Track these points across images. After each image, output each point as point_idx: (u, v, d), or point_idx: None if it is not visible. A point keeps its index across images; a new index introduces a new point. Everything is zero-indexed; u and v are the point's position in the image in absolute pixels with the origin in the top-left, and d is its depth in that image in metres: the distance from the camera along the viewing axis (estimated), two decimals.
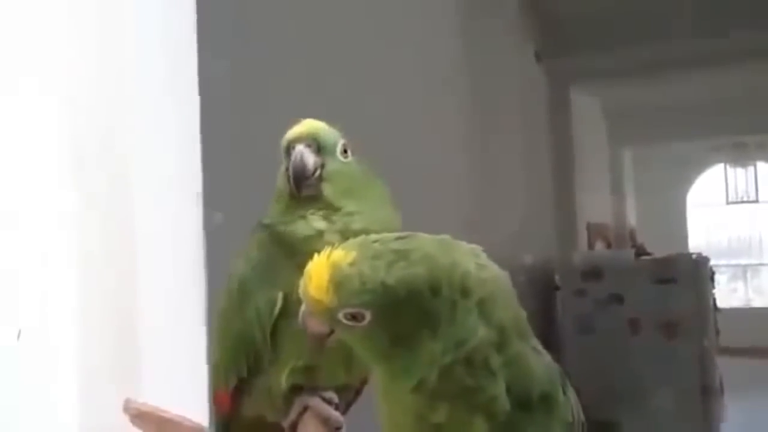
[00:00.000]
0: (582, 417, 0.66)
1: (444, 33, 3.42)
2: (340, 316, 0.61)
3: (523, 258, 4.63)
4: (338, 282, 0.61)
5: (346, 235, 0.77)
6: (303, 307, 0.65)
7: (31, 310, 1.18)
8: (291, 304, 0.79)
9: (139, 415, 0.81)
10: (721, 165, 10.27)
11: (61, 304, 1.17)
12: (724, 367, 5.53)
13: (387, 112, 2.49)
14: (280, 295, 0.80)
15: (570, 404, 0.64)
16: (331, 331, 0.66)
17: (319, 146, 0.83)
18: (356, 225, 0.79)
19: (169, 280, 1.40)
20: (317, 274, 0.62)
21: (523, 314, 0.64)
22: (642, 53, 5.38)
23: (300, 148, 0.82)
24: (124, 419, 0.84)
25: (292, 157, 0.82)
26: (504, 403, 0.59)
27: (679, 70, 5.99)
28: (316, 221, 0.80)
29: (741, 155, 9.91)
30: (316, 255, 0.66)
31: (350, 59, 2.27)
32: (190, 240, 1.45)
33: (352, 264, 0.61)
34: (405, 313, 0.60)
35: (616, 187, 8.28)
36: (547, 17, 5.37)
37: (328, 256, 0.63)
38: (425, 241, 0.63)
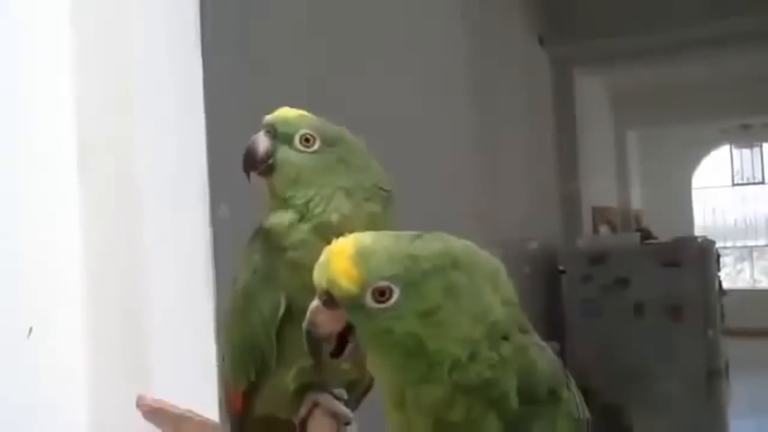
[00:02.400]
0: (587, 413, 0.67)
1: (447, 18, 3.40)
2: (368, 296, 0.59)
3: (528, 243, 4.63)
4: (365, 256, 0.60)
5: (312, 223, 0.80)
6: (312, 305, 0.62)
7: (40, 307, 1.19)
8: (294, 306, 0.80)
9: (152, 411, 0.83)
10: (727, 147, 10.22)
11: (70, 300, 1.19)
12: (731, 348, 5.54)
13: (391, 99, 2.49)
14: (283, 299, 0.81)
15: (575, 400, 0.65)
16: (342, 334, 0.62)
17: (276, 133, 0.84)
18: (317, 209, 0.81)
19: (177, 274, 1.41)
20: (337, 255, 0.60)
21: (518, 302, 0.65)
22: (646, 36, 5.34)
23: (259, 134, 0.84)
24: (133, 416, 0.85)
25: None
26: (513, 400, 0.60)
27: (683, 52, 5.94)
28: (281, 215, 0.82)
29: (747, 137, 9.86)
30: (298, 245, 0.67)
31: (353, 50, 2.27)
32: (197, 233, 1.46)
33: (374, 241, 0.61)
34: (433, 287, 0.59)
35: (621, 171, 8.25)
36: (550, 1, 5.34)
37: (346, 240, 0.61)
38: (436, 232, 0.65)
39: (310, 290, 0.64)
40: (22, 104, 1.21)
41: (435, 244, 0.61)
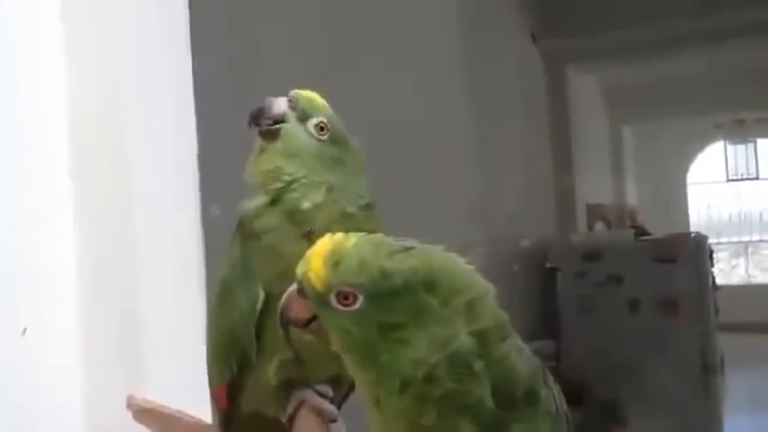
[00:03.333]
0: (566, 407, 0.68)
1: (440, 15, 3.41)
2: (333, 295, 0.62)
3: (522, 240, 4.64)
4: (338, 259, 0.62)
5: (285, 204, 0.80)
6: (289, 289, 0.65)
7: (34, 306, 1.19)
8: (273, 296, 0.80)
9: (142, 411, 0.83)
10: (721, 142, 10.24)
11: (63, 300, 1.19)
12: (725, 343, 5.55)
13: (384, 97, 2.49)
14: (261, 290, 0.81)
15: (552, 395, 0.65)
16: (309, 320, 0.65)
17: (296, 106, 0.84)
18: (291, 198, 0.80)
19: (170, 274, 1.41)
20: (318, 252, 0.63)
21: (506, 317, 0.65)
22: (639, 31, 5.35)
23: (280, 98, 0.84)
24: (128, 415, 0.85)
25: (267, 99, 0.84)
26: (489, 404, 0.60)
27: (677, 47, 5.95)
28: (250, 200, 0.82)
29: (741, 132, 9.88)
30: (268, 230, 0.68)
31: (347, 46, 2.27)
32: (189, 234, 1.47)
33: (354, 246, 0.63)
34: (398, 303, 0.60)
35: (616, 167, 8.26)
36: None
37: (331, 238, 0.64)
38: (424, 245, 0.65)
39: (287, 279, 0.67)
40: (13, 103, 1.21)
41: (414, 261, 0.61)
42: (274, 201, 0.81)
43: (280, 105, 0.83)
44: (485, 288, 0.64)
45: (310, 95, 0.86)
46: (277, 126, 0.83)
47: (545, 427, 0.63)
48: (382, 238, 0.65)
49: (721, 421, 4.97)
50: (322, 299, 0.63)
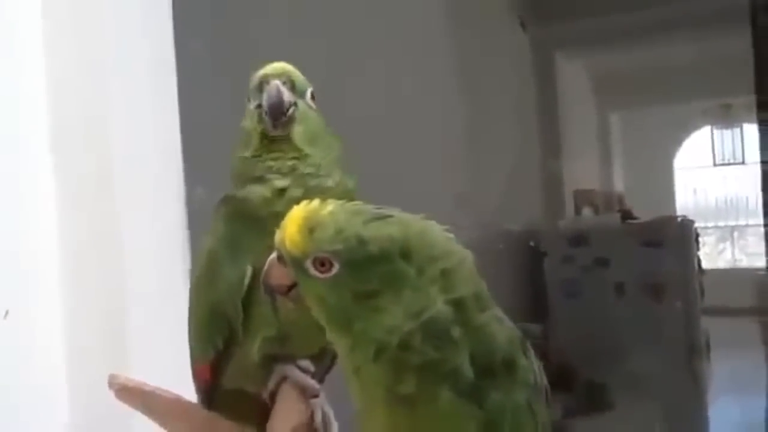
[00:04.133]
0: (545, 381, 0.68)
1: (427, 1, 3.40)
2: (309, 262, 0.62)
3: (510, 225, 4.65)
4: (313, 226, 0.62)
5: (307, 189, 0.77)
6: (270, 257, 0.66)
7: (16, 289, 1.19)
8: (260, 275, 0.80)
9: (124, 390, 0.83)
10: (708, 128, 10.28)
11: (46, 282, 1.19)
12: (712, 327, 5.59)
13: (370, 84, 2.49)
14: (249, 268, 0.80)
15: (532, 368, 0.66)
16: (291, 287, 0.66)
17: (293, 85, 0.81)
18: (319, 181, 0.79)
19: (154, 256, 1.41)
20: (293, 219, 0.64)
21: (484, 286, 0.65)
22: (627, 17, 5.35)
23: (276, 82, 0.80)
24: (112, 396, 0.85)
25: (267, 91, 0.79)
26: (468, 372, 0.60)
27: (664, 33, 5.96)
28: (276, 180, 0.79)
29: (727, 117, 9.92)
30: (277, 215, 0.67)
31: (332, 33, 2.26)
32: (173, 216, 1.47)
33: (330, 213, 0.63)
34: (373, 270, 0.60)
35: (604, 153, 8.29)
36: None
37: (307, 205, 0.64)
38: (402, 213, 0.65)
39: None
40: None
41: (391, 228, 0.61)
42: (290, 187, 0.79)
43: (285, 91, 0.80)
44: (463, 256, 0.64)
45: (291, 69, 0.83)
46: (290, 112, 0.80)
47: (522, 396, 0.63)
48: (360, 206, 0.65)
49: (706, 404, 5.02)
50: (299, 266, 0.63)
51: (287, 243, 0.63)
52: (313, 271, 0.62)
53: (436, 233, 0.64)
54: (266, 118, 0.80)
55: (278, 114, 0.79)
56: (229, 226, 0.83)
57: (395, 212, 0.64)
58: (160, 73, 1.47)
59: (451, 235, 0.65)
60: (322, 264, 0.62)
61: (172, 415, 0.84)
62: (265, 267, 0.66)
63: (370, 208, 0.64)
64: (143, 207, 1.40)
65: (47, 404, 1.17)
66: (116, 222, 1.32)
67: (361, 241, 0.61)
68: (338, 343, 0.64)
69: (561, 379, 3.95)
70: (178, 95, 1.48)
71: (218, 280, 0.83)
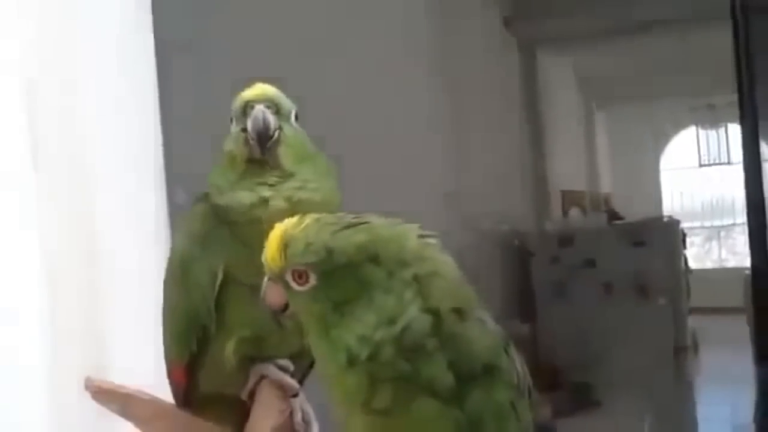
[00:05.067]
0: (528, 378, 0.67)
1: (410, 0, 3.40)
2: (288, 276, 0.65)
3: (498, 226, 4.66)
4: (288, 241, 0.65)
5: (292, 201, 0.78)
6: (264, 280, 0.68)
7: None
8: (232, 275, 0.80)
9: (100, 392, 0.82)
10: (694, 128, 10.36)
11: (25, 284, 1.17)
12: (698, 325, 5.63)
13: (353, 81, 2.48)
14: (220, 268, 0.80)
15: (515, 368, 0.65)
16: (287, 305, 0.68)
17: (278, 109, 0.82)
18: (303, 194, 0.79)
19: (135, 258, 1.39)
20: (273, 236, 0.67)
21: (467, 292, 0.65)
22: (612, 15, 5.38)
23: (260, 107, 0.81)
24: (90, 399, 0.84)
25: (253, 117, 0.80)
26: (446, 380, 0.60)
27: (649, 32, 5.99)
28: (262, 190, 0.79)
29: (712, 117, 10.00)
30: (258, 223, 0.68)
31: (314, 31, 2.25)
32: (154, 218, 1.45)
33: (303, 228, 0.66)
34: (346, 278, 0.62)
35: (590, 153, 8.33)
36: None
37: (286, 222, 0.67)
38: (376, 219, 0.66)
39: (248, 257, 0.69)
40: None
41: (358, 236, 0.63)
42: (274, 197, 0.79)
43: (270, 118, 0.81)
44: (440, 262, 0.64)
45: (274, 92, 0.84)
46: (275, 137, 0.81)
47: (504, 397, 0.63)
48: (332, 217, 0.66)
49: (693, 402, 5.05)
50: (282, 280, 0.66)
51: (269, 260, 0.67)
52: (293, 284, 0.65)
53: (409, 239, 0.64)
54: (252, 143, 0.80)
55: (264, 140, 0.80)
56: (202, 224, 0.83)
57: (371, 219, 0.65)
58: (141, 72, 1.46)
59: (432, 241, 0.65)
60: (300, 276, 0.65)
61: (150, 418, 0.83)
62: (263, 288, 0.69)
63: (345, 218, 0.65)
64: (123, 208, 1.38)
65: (26, 406, 1.15)
66: (96, 222, 1.30)
67: (329, 251, 0.63)
68: (316, 352, 0.66)
69: (548, 378, 3.96)
70: (158, 95, 1.46)
71: (190, 281, 0.82)
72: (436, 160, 3.54)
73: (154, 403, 0.83)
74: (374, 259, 0.62)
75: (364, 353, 0.60)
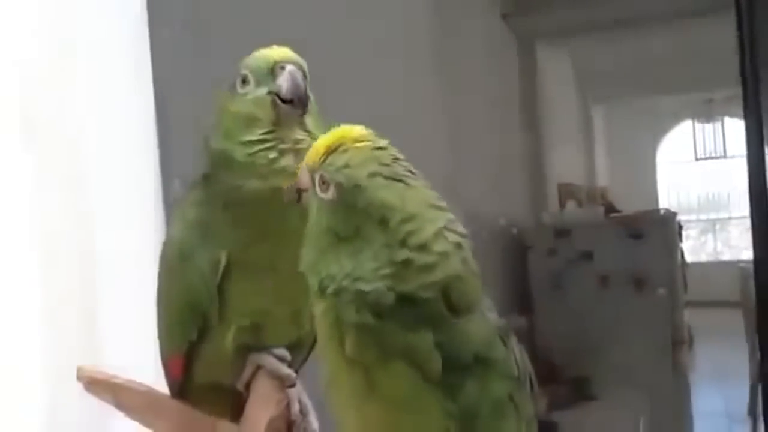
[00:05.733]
0: (529, 367, 0.66)
1: None
2: (317, 175, 0.65)
3: (494, 219, 4.66)
4: (336, 147, 0.65)
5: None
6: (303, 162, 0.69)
7: None
8: (235, 262, 0.78)
9: (92, 382, 0.81)
10: (690, 121, 10.37)
11: (20, 276, 1.16)
12: (695, 319, 5.64)
13: (351, 74, 2.47)
14: (223, 255, 0.78)
15: (513, 356, 0.64)
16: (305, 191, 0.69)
17: (303, 72, 0.80)
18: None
19: (131, 251, 1.38)
20: (334, 132, 0.67)
21: (471, 284, 0.63)
22: (610, 9, 5.36)
23: (293, 68, 0.78)
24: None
25: (290, 78, 0.78)
26: (431, 357, 0.59)
27: (647, 26, 5.98)
28: (275, 179, 0.76)
29: (709, 111, 10.01)
30: (268, 210, 0.70)
31: (312, 21, 2.24)
32: (150, 209, 1.44)
33: (356, 148, 0.65)
34: (353, 219, 0.62)
35: (587, 145, 8.33)
36: None
37: (352, 129, 0.67)
38: (421, 188, 0.64)
39: (252, 243, 0.70)
40: None
41: (387, 194, 0.61)
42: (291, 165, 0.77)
43: (303, 81, 0.79)
44: (443, 259, 0.61)
45: (297, 57, 0.82)
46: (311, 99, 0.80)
47: (501, 390, 0.62)
48: (390, 157, 0.65)
49: (689, 396, 5.06)
50: (311, 174, 0.66)
51: (314, 149, 0.67)
52: (317, 185, 0.65)
53: (427, 226, 0.61)
54: (286, 106, 0.78)
55: (305, 102, 0.78)
56: (201, 210, 0.80)
57: (418, 185, 0.64)
58: (136, 62, 1.44)
59: (454, 238, 0.63)
60: (323, 183, 0.65)
61: (143, 409, 0.82)
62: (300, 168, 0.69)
63: (400, 166, 0.64)
64: (118, 199, 1.37)
65: (21, 399, 1.14)
66: (91, 213, 1.29)
67: (356, 188, 0.62)
68: (304, 269, 0.66)
69: (545, 371, 3.96)
70: (153, 85, 1.45)
71: (190, 268, 0.80)
72: (433, 154, 3.53)
73: (149, 393, 0.82)
74: (382, 223, 0.61)
75: (330, 288, 0.61)
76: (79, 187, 1.32)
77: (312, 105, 0.81)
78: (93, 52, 1.36)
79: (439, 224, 0.62)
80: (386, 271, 0.60)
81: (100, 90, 1.37)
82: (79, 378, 0.81)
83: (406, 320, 0.60)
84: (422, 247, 0.60)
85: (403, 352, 0.59)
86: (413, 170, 0.65)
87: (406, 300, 0.60)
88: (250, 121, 0.78)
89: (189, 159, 1.52)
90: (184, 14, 1.61)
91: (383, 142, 0.66)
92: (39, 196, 1.23)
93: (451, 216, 0.64)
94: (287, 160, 0.76)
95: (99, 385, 0.81)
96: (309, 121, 0.79)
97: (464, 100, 4.12)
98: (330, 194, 0.64)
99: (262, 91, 0.79)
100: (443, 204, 0.65)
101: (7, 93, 1.20)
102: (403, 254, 0.60)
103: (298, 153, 0.76)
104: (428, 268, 0.60)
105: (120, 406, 0.82)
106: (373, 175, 0.62)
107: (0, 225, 1.17)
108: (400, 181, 0.63)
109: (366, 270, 0.60)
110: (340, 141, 0.65)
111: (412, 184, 0.63)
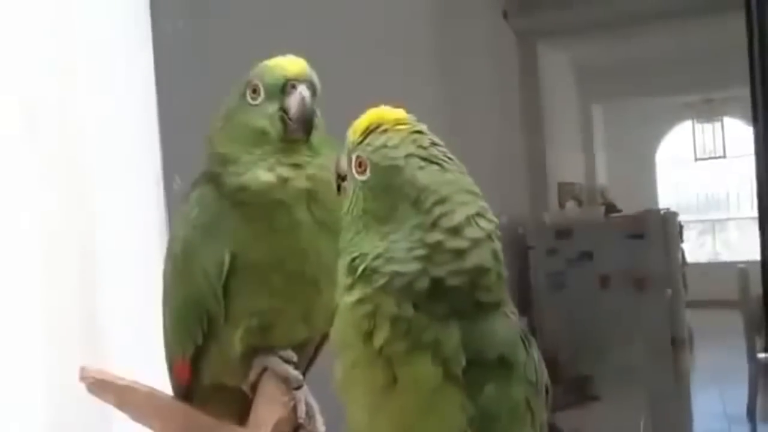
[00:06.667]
0: (546, 378, 0.66)
1: None
2: (354, 156, 0.64)
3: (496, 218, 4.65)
4: (376, 127, 0.65)
5: (315, 180, 0.77)
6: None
7: None
8: (239, 261, 0.77)
9: (96, 383, 0.79)
10: (689, 122, 10.36)
11: (22, 275, 1.15)
12: (694, 319, 5.64)
13: (351, 73, 2.46)
14: (227, 254, 0.77)
15: (533, 364, 0.63)
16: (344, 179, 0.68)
17: (314, 91, 0.80)
18: (326, 173, 0.76)
19: (132, 247, 1.37)
20: (375, 111, 0.66)
21: (495, 285, 0.63)
22: (611, 8, 5.36)
23: (304, 89, 0.79)
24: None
25: (299, 101, 0.78)
26: (456, 353, 0.59)
27: (647, 26, 5.98)
28: (286, 171, 0.77)
29: (709, 111, 10.00)
30: (277, 203, 0.68)
31: (313, 20, 2.23)
32: (152, 206, 1.43)
33: (395, 130, 0.64)
34: (387, 198, 0.62)
35: (587, 145, 8.32)
36: None
37: (394, 109, 0.66)
38: (458, 173, 0.64)
39: (259, 240, 0.70)
40: None
41: (422, 176, 0.61)
42: (295, 178, 0.78)
43: (311, 103, 0.80)
44: (471, 246, 0.61)
45: (308, 66, 0.82)
46: (317, 120, 0.81)
47: (520, 394, 0.61)
48: (429, 141, 0.64)
49: (688, 394, 5.06)
50: (349, 156, 0.66)
51: (353, 129, 0.66)
52: (353, 164, 0.65)
53: (459, 210, 0.61)
54: (295, 126, 0.79)
55: (310, 125, 0.79)
56: (206, 208, 0.79)
57: (454, 169, 0.63)
58: (138, 59, 1.43)
59: (486, 225, 0.63)
60: (360, 165, 0.64)
61: (146, 410, 0.81)
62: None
63: (438, 150, 0.64)
64: (120, 198, 1.36)
65: (24, 400, 1.13)
66: (93, 211, 1.28)
67: (392, 168, 0.62)
68: (341, 250, 0.65)
69: (546, 371, 3.95)
70: (155, 82, 1.44)
71: (194, 268, 0.79)
72: None
73: (152, 395, 0.81)
74: (416, 204, 0.60)
75: (360, 268, 0.61)
76: (81, 185, 1.31)
77: (319, 120, 0.81)
78: (95, 50, 1.35)
79: (472, 210, 0.62)
80: (419, 252, 0.59)
81: (102, 88, 1.36)
82: (83, 378, 0.80)
83: (436, 312, 0.59)
84: (454, 231, 0.60)
85: (431, 346, 0.59)
86: (450, 156, 0.65)
87: (437, 289, 0.59)
88: (259, 135, 0.79)
89: (191, 156, 1.51)
90: (187, 11, 1.60)
91: (422, 126, 0.66)
92: (40, 194, 1.22)
93: (484, 204, 0.64)
94: (289, 173, 0.77)
95: (102, 386, 0.79)
96: (314, 138, 0.80)
97: (465, 100, 4.10)
98: (366, 175, 0.63)
99: (273, 107, 0.80)
100: (477, 191, 0.64)
101: (9, 92, 1.20)
102: (435, 236, 0.60)
103: (300, 167, 0.78)
104: (459, 253, 0.60)
105: (123, 407, 0.81)
106: (409, 156, 0.62)
107: (2, 224, 1.16)
108: (436, 164, 0.62)
109: (399, 250, 0.60)
110: (378, 122, 0.65)
111: (449, 168, 0.63)
